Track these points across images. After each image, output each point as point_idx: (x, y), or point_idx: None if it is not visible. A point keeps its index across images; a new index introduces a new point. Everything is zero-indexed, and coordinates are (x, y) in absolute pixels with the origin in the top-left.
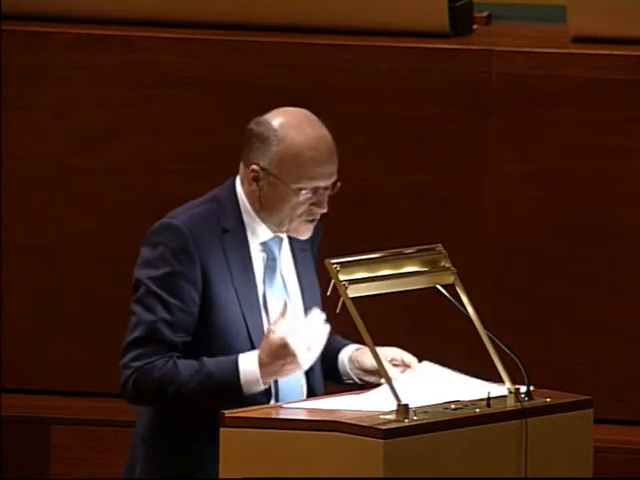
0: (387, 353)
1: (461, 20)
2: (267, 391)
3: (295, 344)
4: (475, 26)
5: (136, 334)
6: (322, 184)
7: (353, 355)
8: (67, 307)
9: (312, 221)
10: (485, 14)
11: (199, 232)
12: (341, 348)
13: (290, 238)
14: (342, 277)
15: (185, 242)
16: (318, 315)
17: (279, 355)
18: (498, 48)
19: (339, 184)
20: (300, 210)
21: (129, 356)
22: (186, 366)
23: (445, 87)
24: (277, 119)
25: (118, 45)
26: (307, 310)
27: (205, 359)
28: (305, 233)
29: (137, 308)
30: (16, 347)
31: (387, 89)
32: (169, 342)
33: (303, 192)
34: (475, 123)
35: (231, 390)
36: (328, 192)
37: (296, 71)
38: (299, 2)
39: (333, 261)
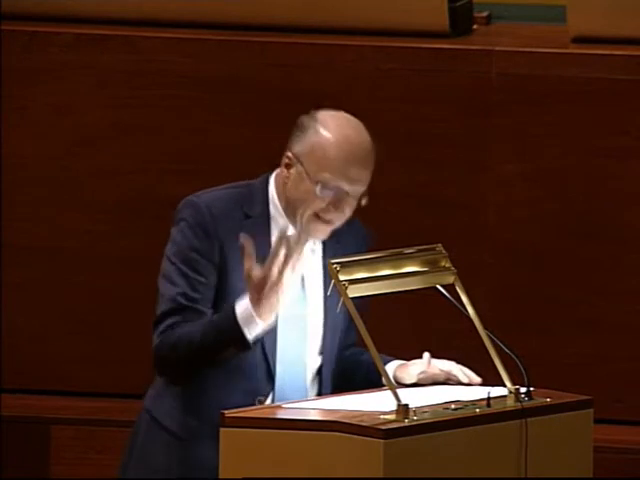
0: (445, 366)
1: (461, 20)
2: (270, 379)
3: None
4: (475, 26)
5: (161, 309)
6: (345, 187)
7: (394, 375)
8: (67, 307)
9: (327, 222)
10: (485, 14)
11: (219, 212)
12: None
13: (324, 245)
14: (342, 277)
15: (203, 219)
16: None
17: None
18: (498, 48)
19: (367, 199)
20: (316, 206)
21: (157, 331)
22: (197, 322)
23: (445, 87)
24: (326, 115)
25: (118, 45)
26: (326, 315)
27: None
28: (317, 234)
29: (161, 282)
30: (16, 347)
31: (387, 89)
32: (196, 310)
33: (320, 187)
34: (475, 123)
35: (232, 332)
36: (351, 200)
37: (296, 71)
38: (299, 2)
39: (333, 261)
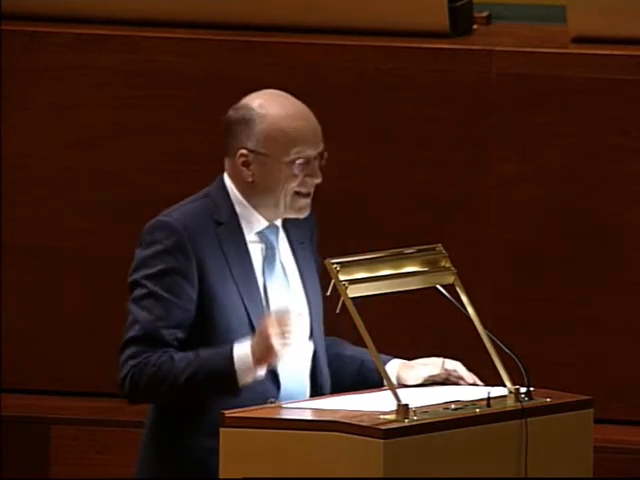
0: (450, 365)
1: (461, 20)
2: (276, 381)
3: (272, 334)
4: (475, 26)
5: (132, 333)
6: (312, 152)
7: (397, 376)
8: (66, 307)
9: (307, 195)
10: (485, 14)
11: (193, 228)
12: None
13: (287, 231)
14: (342, 277)
15: (180, 239)
16: (300, 313)
17: (261, 343)
18: (498, 48)
19: (326, 154)
20: (294, 183)
21: (125, 355)
22: (181, 357)
23: (445, 87)
24: (254, 101)
25: (118, 45)
26: (309, 301)
27: (200, 349)
28: (303, 209)
29: (133, 308)
30: (16, 347)
31: (387, 89)
32: (165, 339)
33: (296, 163)
34: (475, 123)
35: (226, 377)
36: (318, 161)
37: (296, 71)
38: (299, 2)
39: (333, 261)
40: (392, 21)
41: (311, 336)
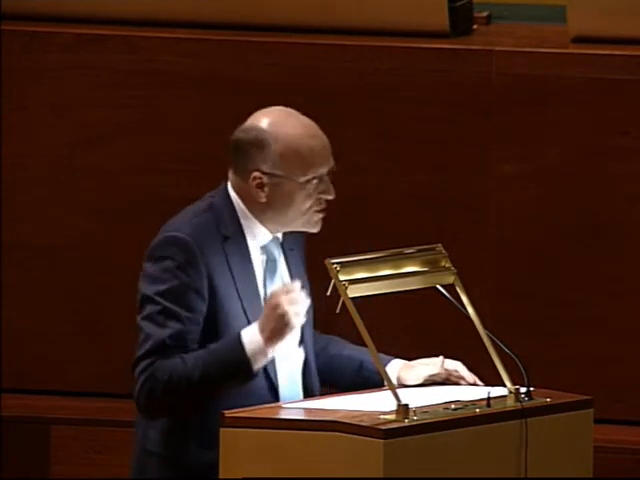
0: (450, 365)
1: (461, 20)
2: (272, 388)
3: (284, 303)
4: (475, 26)
5: (145, 348)
6: (325, 170)
7: (398, 376)
8: (67, 307)
9: (322, 211)
10: (485, 14)
11: (203, 243)
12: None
13: (284, 252)
14: (342, 277)
15: (192, 255)
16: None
17: (272, 316)
18: (498, 48)
19: (335, 167)
20: (310, 202)
21: (138, 369)
22: (191, 356)
23: (445, 87)
24: (263, 121)
25: (118, 45)
26: None
27: (209, 345)
28: (317, 225)
29: (146, 324)
30: (16, 347)
31: (387, 89)
32: (184, 347)
33: (312, 183)
34: (475, 123)
35: (239, 364)
36: (329, 177)
37: (296, 71)
38: (299, 2)
39: (333, 261)
40: (392, 21)
41: (302, 342)
